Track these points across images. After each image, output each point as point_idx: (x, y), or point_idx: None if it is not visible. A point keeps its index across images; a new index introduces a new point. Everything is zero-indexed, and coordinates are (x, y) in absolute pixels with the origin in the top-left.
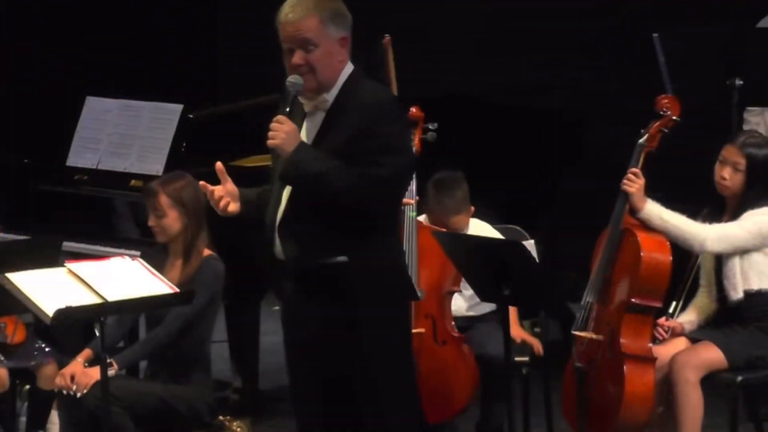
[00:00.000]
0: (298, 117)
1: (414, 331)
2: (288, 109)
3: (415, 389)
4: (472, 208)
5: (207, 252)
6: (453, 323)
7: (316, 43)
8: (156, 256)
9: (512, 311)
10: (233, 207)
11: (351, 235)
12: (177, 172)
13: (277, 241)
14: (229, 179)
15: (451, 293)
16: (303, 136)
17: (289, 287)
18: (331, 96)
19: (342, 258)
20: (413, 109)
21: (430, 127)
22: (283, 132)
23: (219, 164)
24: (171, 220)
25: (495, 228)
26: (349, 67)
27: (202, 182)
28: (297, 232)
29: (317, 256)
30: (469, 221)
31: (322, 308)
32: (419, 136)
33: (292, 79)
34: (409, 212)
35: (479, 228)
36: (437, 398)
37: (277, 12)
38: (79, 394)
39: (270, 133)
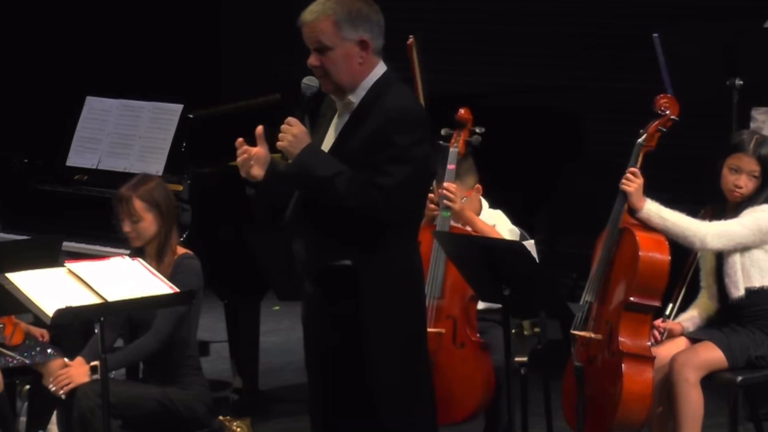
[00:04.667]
0: (308, 118)
1: (434, 330)
2: (300, 111)
3: (426, 393)
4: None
5: (181, 250)
6: (477, 330)
7: (329, 46)
8: None
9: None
10: (257, 171)
11: (357, 240)
12: (144, 175)
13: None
14: (265, 144)
15: (476, 298)
16: (331, 134)
17: (308, 285)
18: (357, 98)
19: (346, 261)
20: (462, 111)
21: (477, 130)
22: (290, 134)
23: (260, 128)
24: (147, 224)
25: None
26: (379, 69)
27: (240, 139)
28: (305, 234)
29: (324, 258)
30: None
31: (331, 309)
32: (465, 138)
33: (306, 80)
34: (443, 212)
35: (494, 217)
36: (446, 400)
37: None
38: (62, 395)
39: (279, 135)
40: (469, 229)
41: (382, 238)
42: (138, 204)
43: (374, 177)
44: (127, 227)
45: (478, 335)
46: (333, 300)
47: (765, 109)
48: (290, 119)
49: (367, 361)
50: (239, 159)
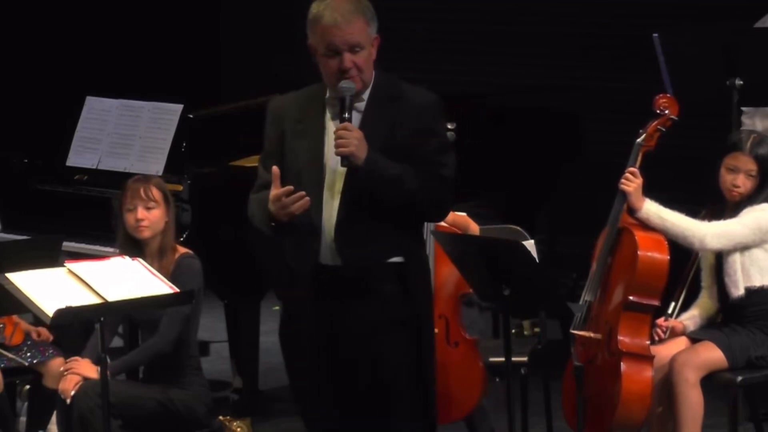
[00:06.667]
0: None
1: None
2: (348, 114)
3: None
4: None
5: (181, 249)
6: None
7: (363, 45)
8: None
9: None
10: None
11: (406, 236)
12: (148, 174)
13: (326, 246)
14: (279, 185)
15: (465, 295)
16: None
17: (328, 290)
18: (366, 95)
19: (398, 258)
20: None
21: (449, 126)
22: (354, 138)
23: (276, 168)
24: (161, 213)
25: (494, 228)
26: None
27: (288, 187)
28: (358, 235)
29: (380, 257)
30: None
31: (379, 308)
32: None
33: (346, 84)
34: None
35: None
36: (445, 400)
37: (314, 14)
38: (67, 400)
39: (339, 141)
40: (444, 224)
41: (417, 232)
42: (156, 191)
43: (433, 170)
44: (141, 214)
45: (467, 333)
46: (385, 298)
47: (751, 112)
48: (347, 124)
49: (417, 356)
50: (287, 203)
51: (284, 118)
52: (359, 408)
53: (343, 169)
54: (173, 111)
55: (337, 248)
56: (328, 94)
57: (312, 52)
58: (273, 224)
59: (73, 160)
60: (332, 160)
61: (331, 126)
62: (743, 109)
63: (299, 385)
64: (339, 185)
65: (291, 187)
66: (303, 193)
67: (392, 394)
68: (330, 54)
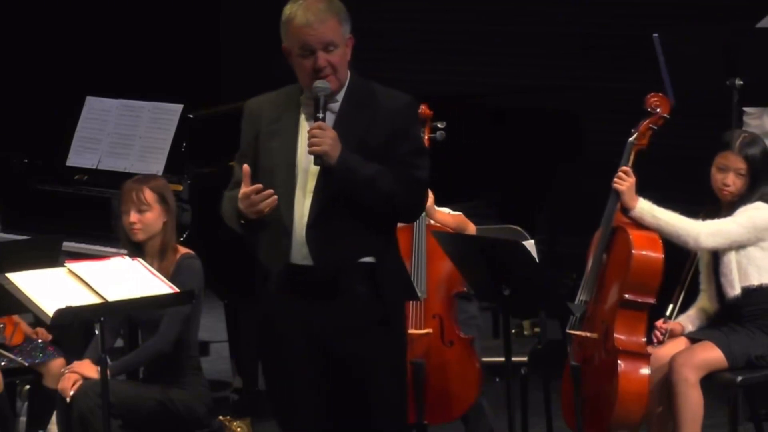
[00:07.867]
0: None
1: (422, 331)
2: (322, 114)
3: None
4: None
5: (182, 250)
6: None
7: (336, 44)
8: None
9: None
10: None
11: (377, 237)
12: (148, 174)
13: (297, 246)
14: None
15: (459, 294)
16: (305, 135)
17: (299, 290)
18: (340, 97)
19: (369, 259)
20: (422, 107)
21: (439, 125)
22: (328, 138)
23: (246, 167)
24: (155, 216)
25: (494, 228)
26: None
27: (257, 185)
28: (329, 235)
29: (350, 258)
30: None
31: (350, 308)
32: (427, 134)
33: (320, 84)
34: None
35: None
36: (444, 399)
37: (287, 16)
38: (67, 399)
39: (313, 140)
40: (432, 222)
41: (390, 234)
42: (149, 194)
43: (407, 172)
44: (133, 217)
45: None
46: (355, 299)
47: (756, 114)
48: (321, 123)
49: (386, 357)
50: (257, 200)
51: (260, 118)
52: (335, 409)
53: (316, 169)
54: (173, 111)
55: (307, 248)
56: (303, 95)
57: (286, 55)
58: (242, 222)
59: (73, 160)
60: (305, 160)
61: (305, 126)
62: (746, 109)
63: (275, 384)
64: (311, 185)
65: (260, 185)
66: (271, 191)
67: (368, 395)
68: (305, 54)
